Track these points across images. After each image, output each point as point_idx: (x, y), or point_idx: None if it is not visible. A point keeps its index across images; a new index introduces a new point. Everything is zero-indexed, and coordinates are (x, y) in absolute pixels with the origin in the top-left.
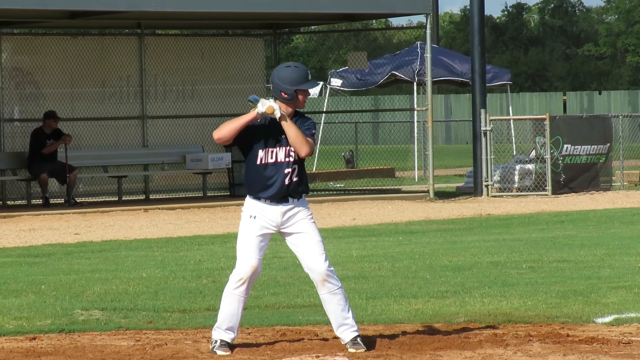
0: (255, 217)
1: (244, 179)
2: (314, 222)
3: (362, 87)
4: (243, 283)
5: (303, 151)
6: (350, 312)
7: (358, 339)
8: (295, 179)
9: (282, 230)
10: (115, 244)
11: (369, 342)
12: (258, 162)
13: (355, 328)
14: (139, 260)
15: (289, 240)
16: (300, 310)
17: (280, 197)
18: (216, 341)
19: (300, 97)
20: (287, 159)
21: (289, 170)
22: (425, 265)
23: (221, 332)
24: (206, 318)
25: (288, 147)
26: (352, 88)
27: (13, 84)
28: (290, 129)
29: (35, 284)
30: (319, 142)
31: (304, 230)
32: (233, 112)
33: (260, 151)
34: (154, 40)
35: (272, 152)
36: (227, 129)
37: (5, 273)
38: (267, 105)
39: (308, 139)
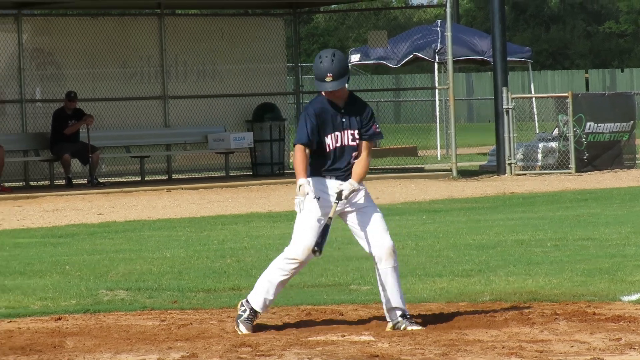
0: (319, 199)
1: (310, 163)
2: (372, 200)
3: (382, 61)
4: (296, 263)
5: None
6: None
7: (411, 317)
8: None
9: (344, 209)
10: (139, 224)
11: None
12: (327, 150)
13: (406, 307)
14: (163, 240)
15: (350, 219)
16: (325, 289)
17: (344, 178)
18: (245, 310)
19: (325, 92)
20: (353, 143)
21: (356, 153)
22: (449, 244)
23: (256, 298)
24: (231, 298)
25: (352, 131)
26: (372, 61)
27: (34, 65)
28: (360, 179)
29: (60, 265)
30: None
31: (365, 206)
32: (254, 91)
33: (326, 138)
34: (174, 20)
35: (337, 136)
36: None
37: (30, 254)
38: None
39: (367, 148)
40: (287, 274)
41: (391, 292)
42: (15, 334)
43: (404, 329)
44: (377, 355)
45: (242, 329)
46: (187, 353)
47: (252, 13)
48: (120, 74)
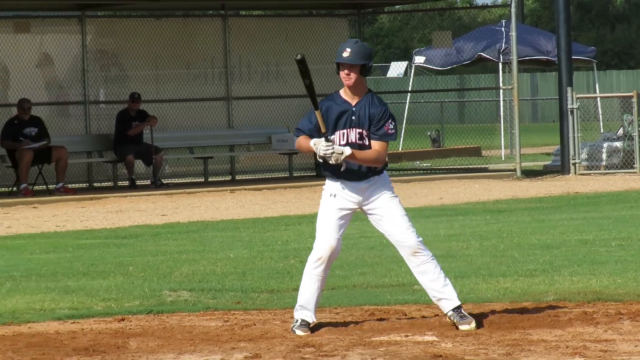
0: (335, 196)
1: (323, 165)
2: (395, 196)
3: (447, 66)
4: (322, 263)
5: (379, 164)
6: (447, 280)
7: (462, 310)
8: None
9: (364, 208)
10: (202, 225)
11: None
12: None
13: (456, 296)
14: (226, 241)
15: (372, 219)
16: (388, 289)
17: (359, 176)
18: (297, 320)
19: (340, 72)
20: (360, 142)
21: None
22: (514, 243)
23: (301, 312)
24: (294, 298)
25: (360, 130)
26: (436, 66)
27: (98, 67)
28: (361, 161)
29: (123, 266)
30: (404, 117)
31: (386, 206)
32: (318, 92)
33: (332, 136)
34: (238, 22)
35: (343, 134)
36: (301, 149)
37: (93, 255)
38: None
39: (378, 146)
40: (319, 278)
41: (431, 286)
42: (78, 335)
43: (455, 323)
44: (441, 356)
45: (300, 333)
46: (251, 353)
47: (317, 14)
48: (184, 75)
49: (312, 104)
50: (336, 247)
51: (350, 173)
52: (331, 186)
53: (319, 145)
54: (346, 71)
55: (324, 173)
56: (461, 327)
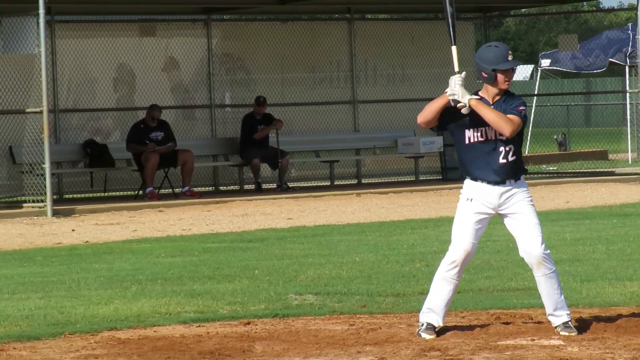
0: (472, 200)
1: (457, 161)
2: (532, 204)
3: (576, 70)
4: (455, 266)
5: (506, 131)
6: (562, 295)
7: (569, 323)
8: (511, 159)
9: (500, 211)
10: (328, 229)
11: (583, 325)
12: (467, 142)
13: (567, 312)
14: (352, 244)
15: (506, 221)
16: (515, 293)
17: (497, 178)
18: (422, 324)
19: (498, 77)
20: (500, 137)
21: (503, 149)
22: None
23: (428, 315)
24: (420, 302)
25: None
26: (563, 68)
27: (223, 70)
28: (485, 114)
29: (249, 269)
30: (530, 121)
31: (521, 211)
32: None
33: (467, 130)
34: (364, 25)
35: (481, 130)
36: (427, 112)
37: (219, 258)
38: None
39: (511, 116)
40: (452, 281)
41: (546, 300)
42: (204, 339)
43: (559, 331)
44: None
45: (426, 336)
46: (376, 357)
47: (442, 17)
48: (310, 78)
49: (451, 36)
50: (471, 251)
51: (489, 173)
52: (468, 190)
53: (454, 77)
54: (509, 75)
55: (464, 174)
56: (561, 333)
